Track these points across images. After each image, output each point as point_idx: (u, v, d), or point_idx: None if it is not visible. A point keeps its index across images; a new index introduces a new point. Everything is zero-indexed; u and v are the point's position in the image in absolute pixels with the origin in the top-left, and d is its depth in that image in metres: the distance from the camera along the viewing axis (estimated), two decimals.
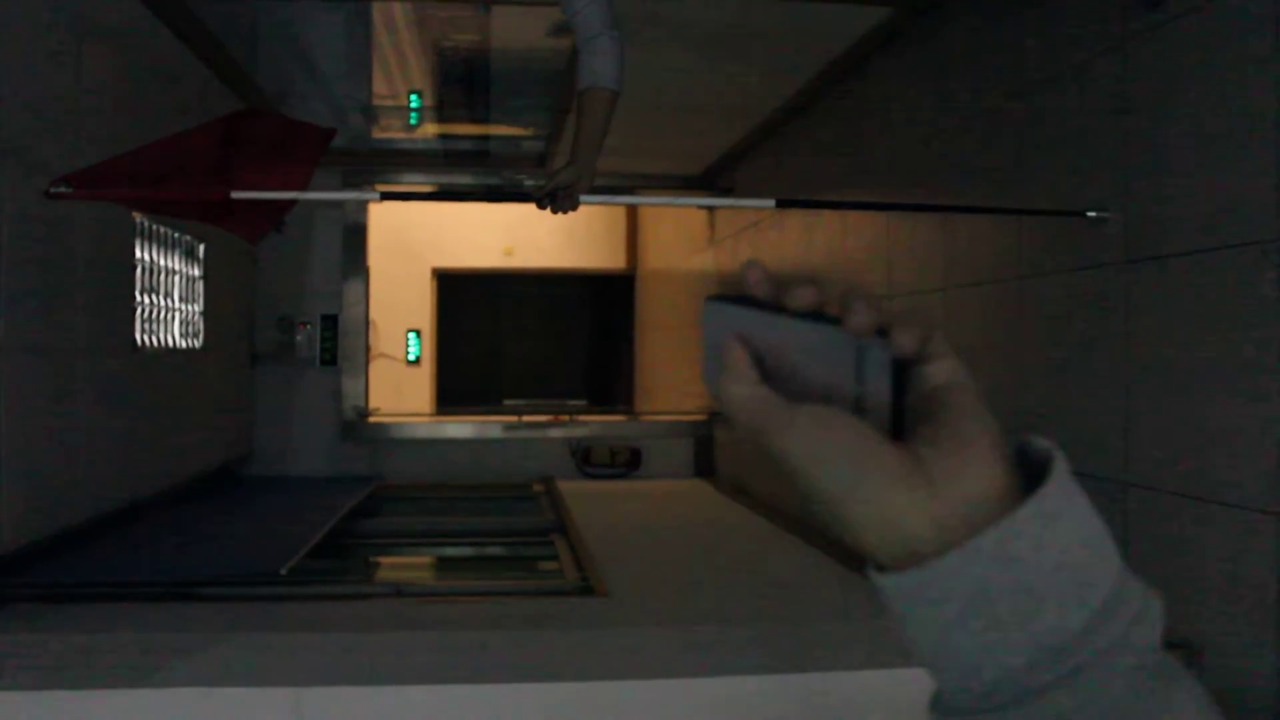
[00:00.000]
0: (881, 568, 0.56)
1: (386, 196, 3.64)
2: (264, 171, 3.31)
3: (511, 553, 6.22)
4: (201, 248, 6.50)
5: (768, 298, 0.61)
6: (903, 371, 0.57)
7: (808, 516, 5.77)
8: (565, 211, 3.38)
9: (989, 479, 0.54)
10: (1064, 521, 0.53)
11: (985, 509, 0.54)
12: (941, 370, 0.58)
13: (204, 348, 6.60)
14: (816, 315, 0.59)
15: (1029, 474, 0.56)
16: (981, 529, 0.53)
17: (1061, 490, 0.54)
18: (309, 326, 8.27)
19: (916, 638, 0.55)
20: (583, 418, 9.00)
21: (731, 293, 0.63)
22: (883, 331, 0.57)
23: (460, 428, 8.64)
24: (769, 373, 0.60)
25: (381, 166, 8.55)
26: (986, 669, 0.53)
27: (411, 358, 12.69)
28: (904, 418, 0.57)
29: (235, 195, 3.19)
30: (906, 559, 0.55)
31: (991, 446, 0.55)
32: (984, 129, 4.32)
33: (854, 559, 5.33)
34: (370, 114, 7.96)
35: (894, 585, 0.55)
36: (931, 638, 0.54)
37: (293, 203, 3.59)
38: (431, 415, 11.04)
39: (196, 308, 6.48)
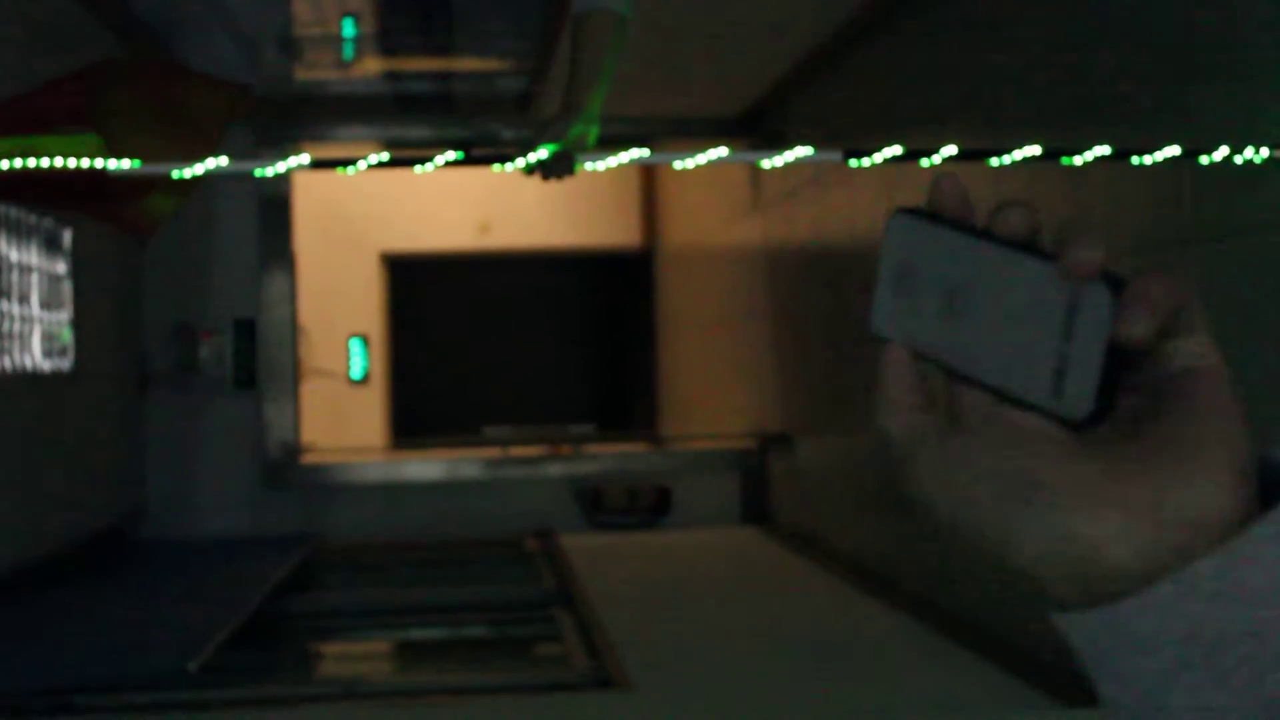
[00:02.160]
0: (1065, 606, 0.56)
1: (317, 165, 3.62)
2: (150, 140, 3.30)
3: (499, 634, 6.21)
4: (67, 235, 6.51)
5: (963, 218, 0.63)
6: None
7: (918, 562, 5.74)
8: (560, 178, 3.37)
9: (1217, 502, 0.54)
10: None
11: (1208, 533, 0.53)
12: (1189, 349, 0.57)
13: (74, 371, 6.60)
14: (1027, 246, 0.60)
15: (1271, 495, 0.55)
16: (1201, 554, 0.52)
17: None
18: (216, 337, 8.28)
19: (1118, 697, 0.55)
20: (591, 448, 9.00)
21: (928, 209, 0.64)
22: (1113, 281, 0.57)
23: (425, 467, 8.63)
24: (954, 314, 0.62)
25: (308, 118, 8.56)
26: None
27: (356, 374, 12.70)
28: (1114, 395, 0.57)
29: (112, 170, 3.18)
30: (1101, 594, 0.55)
31: (1229, 460, 0.54)
32: (1133, 39, 4.30)
33: (957, 630, 5.33)
34: (291, 48, 7.97)
35: (1087, 629, 0.55)
36: (1138, 698, 0.54)
37: (195, 183, 3.58)
38: (386, 451, 11.04)
39: (62, 317, 6.49)
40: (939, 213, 0.64)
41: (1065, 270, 0.57)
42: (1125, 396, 0.57)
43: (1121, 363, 0.56)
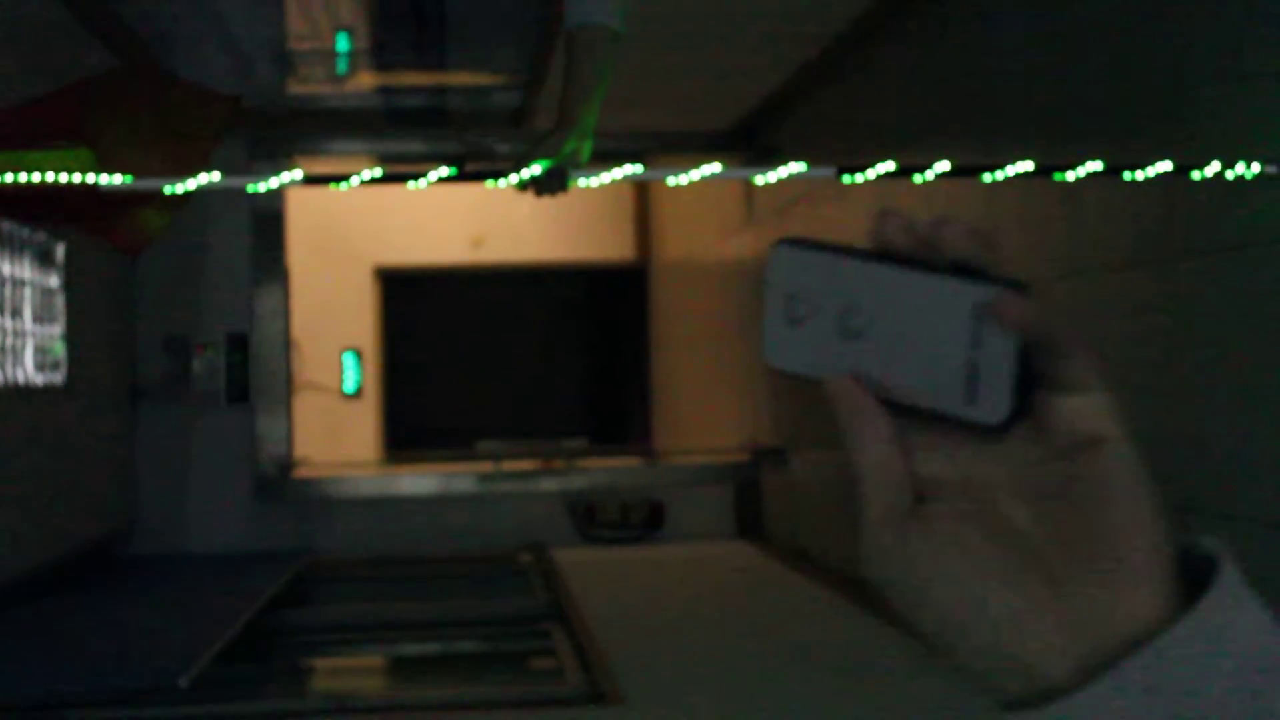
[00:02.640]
0: (1010, 702, 0.58)
1: (311, 180, 3.64)
2: (143, 153, 3.31)
3: (492, 648, 6.21)
4: (60, 249, 6.51)
5: (850, 244, 0.63)
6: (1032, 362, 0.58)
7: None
8: (554, 194, 3.37)
9: (1147, 608, 0.56)
10: (1234, 640, 0.54)
11: (1138, 633, 0.55)
12: (1089, 411, 0.58)
13: (67, 384, 6.60)
14: (918, 261, 0.61)
15: (1194, 577, 0.57)
16: (1131, 650, 0.54)
17: (1230, 601, 0.55)
18: (209, 351, 8.28)
19: None
20: (584, 463, 9.00)
21: (813, 238, 0.65)
22: (1016, 286, 0.58)
23: (418, 481, 8.63)
24: (851, 335, 0.62)
25: (302, 132, 8.56)
26: None
27: (349, 388, 12.70)
28: (1029, 397, 0.58)
29: (104, 186, 3.19)
30: (1039, 693, 0.57)
31: (1154, 560, 0.57)
32: (1133, 51, 4.31)
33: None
34: (285, 61, 7.98)
35: None
36: None
37: (186, 198, 3.60)
38: (379, 465, 11.04)
39: (55, 330, 6.49)
40: (821, 241, 0.65)
41: (969, 289, 0.58)
42: (1042, 469, 0.59)
43: (1030, 366, 0.57)
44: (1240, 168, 3.53)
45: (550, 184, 3.35)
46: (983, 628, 0.57)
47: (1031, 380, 0.58)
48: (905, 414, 0.61)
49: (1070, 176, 4.23)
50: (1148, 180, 4.01)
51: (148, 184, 3.37)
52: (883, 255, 0.62)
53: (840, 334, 0.62)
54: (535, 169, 3.33)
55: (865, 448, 0.61)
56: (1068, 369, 0.58)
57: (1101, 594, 0.56)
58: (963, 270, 0.59)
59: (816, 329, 0.64)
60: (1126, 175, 4.08)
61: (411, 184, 3.48)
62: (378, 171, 3.37)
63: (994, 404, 0.58)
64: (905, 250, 0.61)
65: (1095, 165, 4.11)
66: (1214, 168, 3.67)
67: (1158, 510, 0.57)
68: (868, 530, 0.61)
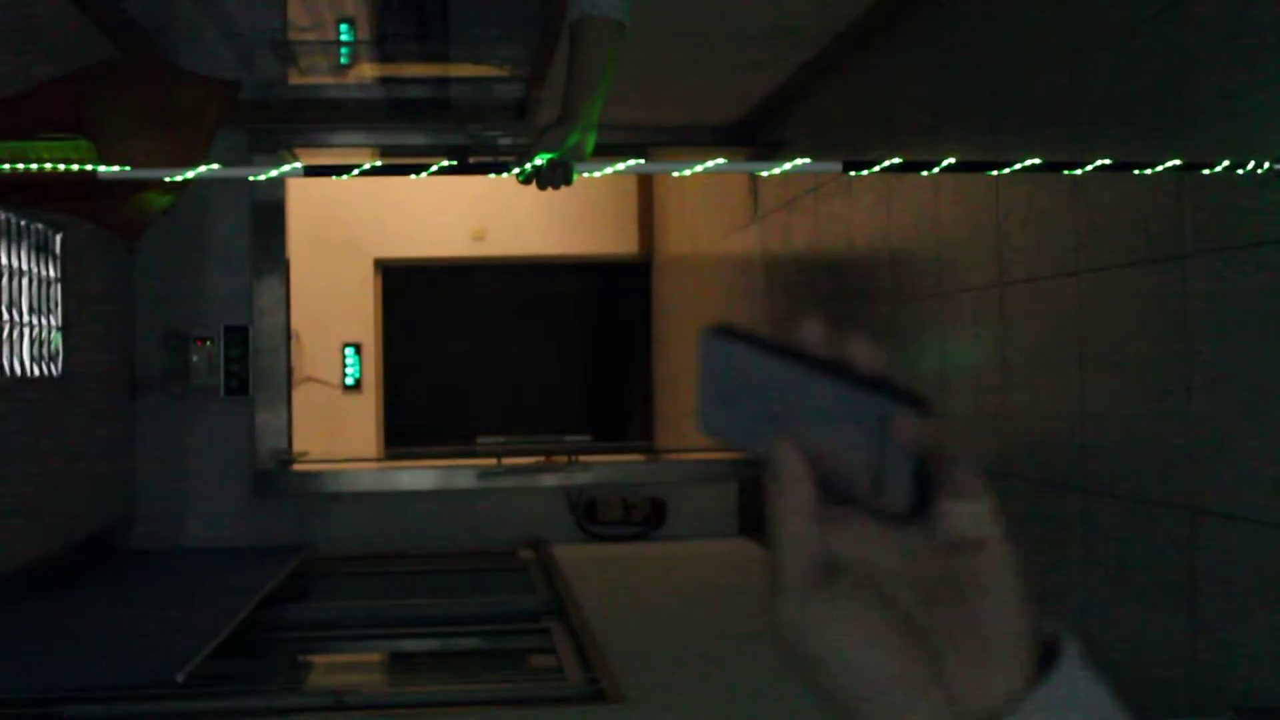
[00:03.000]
0: None
1: (312, 171, 3.62)
2: (143, 140, 3.29)
3: (491, 645, 6.20)
4: (58, 239, 6.50)
5: (826, 358, 0.68)
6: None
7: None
8: (556, 186, 3.36)
9: (1008, 683, 0.65)
10: (1077, 710, 0.65)
11: (998, 704, 0.65)
12: (974, 516, 0.66)
13: (64, 376, 6.59)
14: (833, 364, 0.67)
15: (1050, 654, 0.67)
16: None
17: (1073, 676, 0.65)
18: (208, 343, 8.27)
19: None
20: (585, 458, 8.98)
21: (739, 327, 0.70)
22: (916, 401, 0.65)
23: (418, 476, 8.62)
24: (774, 419, 0.68)
25: (303, 123, 8.55)
26: None
27: (349, 381, 12.70)
28: (930, 491, 0.65)
29: (103, 174, 3.17)
30: None
31: (1018, 645, 0.66)
32: (1139, 45, 4.29)
33: None
34: (286, 52, 7.97)
35: None
36: None
37: (184, 185, 3.58)
38: (379, 460, 11.03)
39: (52, 321, 6.48)
40: (753, 333, 0.70)
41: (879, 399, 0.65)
42: (931, 560, 0.66)
43: (928, 469, 0.65)
44: (1252, 164, 3.51)
45: (553, 177, 3.33)
46: (872, 696, 0.66)
47: (930, 481, 0.65)
48: (821, 490, 0.67)
49: (1079, 173, 4.21)
50: (1157, 176, 3.99)
51: (149, 174, 3.35)
52: (801, 355, 0.68)
53: (765, 417, 0.68)
54: (538, 162, 3.31)
55: (789, 519, 0.67)
56: (956, 478, 0.66)
57: (973, 673, 0.65)
58: (872, 382, 0.65)
59: (744, 410, 0.69)
60: (1136, 172, 4.06)
61: (413, 176, 3.46)
62: (379, 163, 3.36)
63: (896, 499, 0.64)
64: (823, 356, 0.68)
65: (1104, 161, 4.10)
66: (1224, 165, 3.65)
67: (1024, 603, 0.66)
68: (779, 597, 0.68)
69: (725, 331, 0.70)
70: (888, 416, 0.64)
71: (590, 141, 3.39)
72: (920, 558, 0.66)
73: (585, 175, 3.38)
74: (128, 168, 3.24)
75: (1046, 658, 0.66)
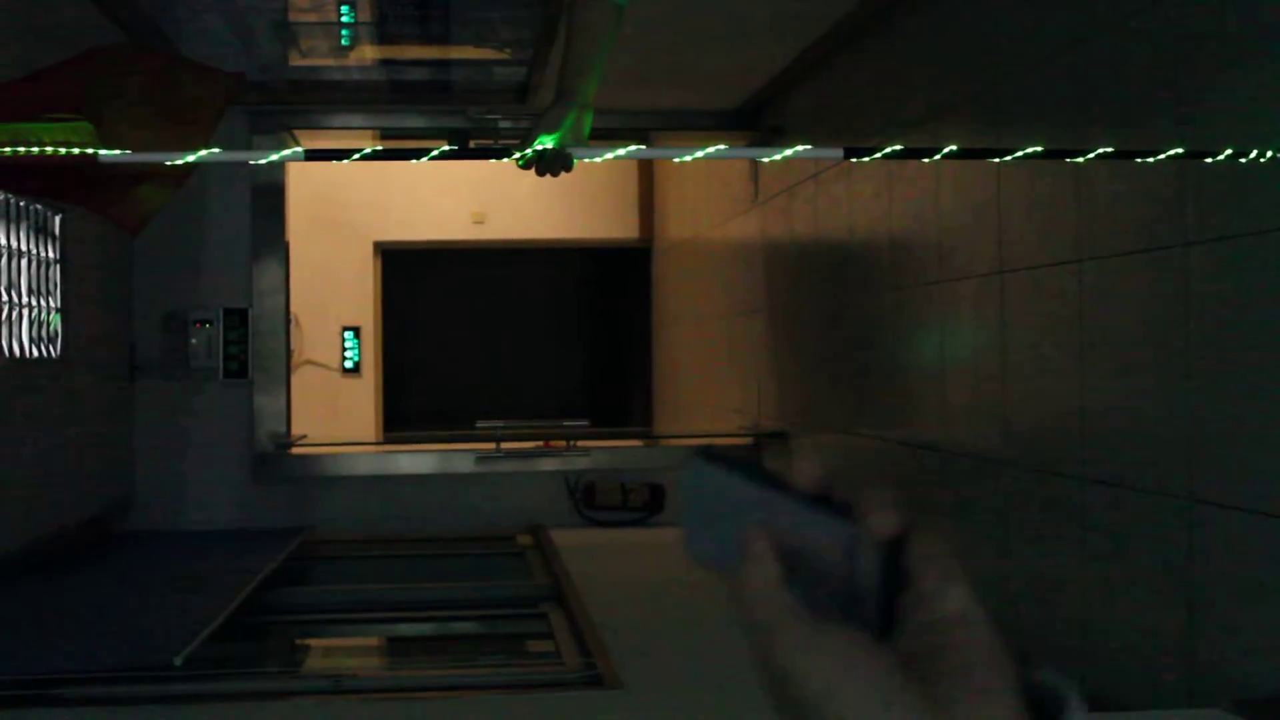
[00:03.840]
0: None
1: (312, 155, 3.62)
2: (145, 129, 3.30)
3: (489, 630, 6.21)
4: (57, 220, 6.50)
5: (817, 496, 0.72)
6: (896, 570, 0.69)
7: None
8: (556, 173, 3.36)
9: None
10: None
11: None
12: (955, 596, 0.69)
13: (63, 358, 6.59)
14: (815, 496, 0.71)
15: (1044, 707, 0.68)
16: None
17: None
18: (207, 326, 8.28)
19: None
20: (584, 443, 8.99)
21: (720, 450, 0.74)
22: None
23: (417, 460, 8.63)
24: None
25: (303, 105, 8.54)
26: None
27: (349, 365, 12.70)
28: (898, 612, 0.69)
29: (104, 156, 3.18)
30: None
31: (1008, 694, 0.67)
32: (1145, 30, 4.30)
33: None
34: (286, 34, 7.96)
35: None
36: None
37: (188, 173, 3.58)
38: (378, 443, 11.03)
39: (51, 303, 6.48)
40: (735, 455, 0.74)
41: (861, 528, 0.69)
42: (916, 634, 0.68)
43: (899, 589, 0.69)
44: (1255, 153, 3.52)
45: (553, 163, 3.34)
46: None
47: (903, 583, 0.69)
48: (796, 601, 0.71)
49: (1080, 160, 4.22)
50: (1159, 164, 4.00)
51: (148, 158, 3.36)
52: (778, 483, 0.72)
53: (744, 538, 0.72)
54: (538, 145, 3.31)
55: (756, 576, 0.71)
56: (946, 568, 0.69)
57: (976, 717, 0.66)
58: (845, 507, 0.70)
59: (727, 532, 0.72)
60: (1138, 159, 4.07)
61: (414, 160, 3.46)
62: (379, 147, 3.36)
63: (866, 616, 0.69)
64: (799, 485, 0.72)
65: (1106, 149, 4.10)
66: (1226, 153, 3.65)
67: (1007, 672, 0.67)
68: (783, 629, 0.71)
69: (708, 455, 0.74)
70: (859, 540, 0.69)
71: (588, 120, 3.40)
72: (907, 636, 0.69)
73: (586, 160, 3.38)
74: (128, 151, 3.25)
75: (1047, 709, 0.68)
